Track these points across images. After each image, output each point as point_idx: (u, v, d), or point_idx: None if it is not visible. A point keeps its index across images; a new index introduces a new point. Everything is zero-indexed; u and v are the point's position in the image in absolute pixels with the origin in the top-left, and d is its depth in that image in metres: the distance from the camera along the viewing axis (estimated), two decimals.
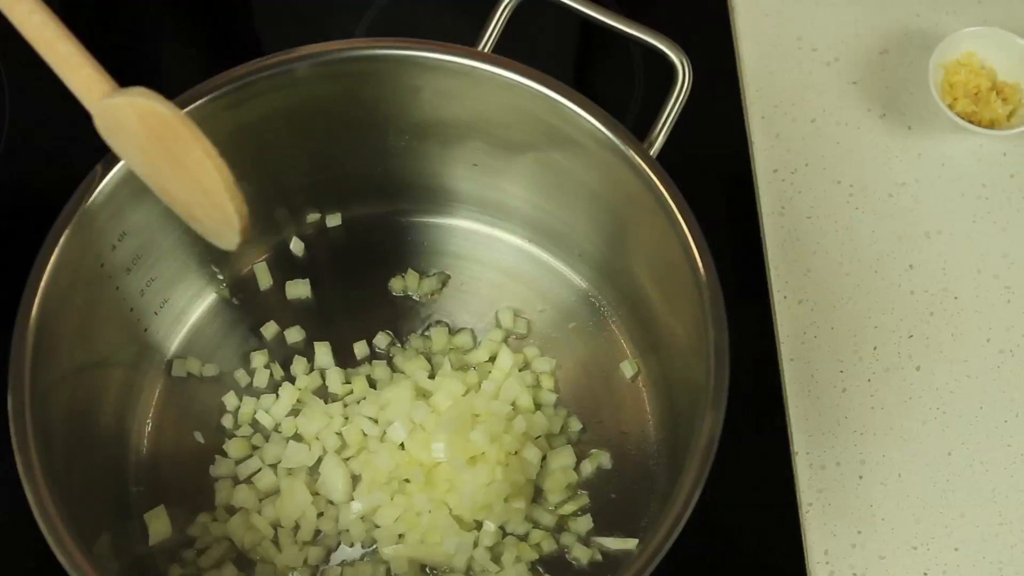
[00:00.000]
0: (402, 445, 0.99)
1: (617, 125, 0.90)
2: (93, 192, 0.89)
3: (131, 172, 0.90)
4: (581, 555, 0.97)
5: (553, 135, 0.95)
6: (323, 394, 1.04)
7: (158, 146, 0.80)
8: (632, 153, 0.90)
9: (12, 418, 0.84)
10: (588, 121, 0.91)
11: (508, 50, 0.95)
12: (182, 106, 0.88)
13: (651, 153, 0.92)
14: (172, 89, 0.85)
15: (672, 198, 0.89)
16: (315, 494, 0.99)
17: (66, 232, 0.87)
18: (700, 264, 0.87)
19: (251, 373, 1.04)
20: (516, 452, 0.98)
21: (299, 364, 1.04)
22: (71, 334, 0.91)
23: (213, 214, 0.83)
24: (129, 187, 0.91)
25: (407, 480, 0.98)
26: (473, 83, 0.93)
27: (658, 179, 0.89)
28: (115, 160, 0.89)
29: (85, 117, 1.02)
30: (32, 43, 0.79)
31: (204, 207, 0.83)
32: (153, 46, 1.16)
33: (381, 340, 1.05)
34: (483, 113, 0.97)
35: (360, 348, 1.05)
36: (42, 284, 0.86)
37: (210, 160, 0.78)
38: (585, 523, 0.98)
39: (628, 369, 1.03)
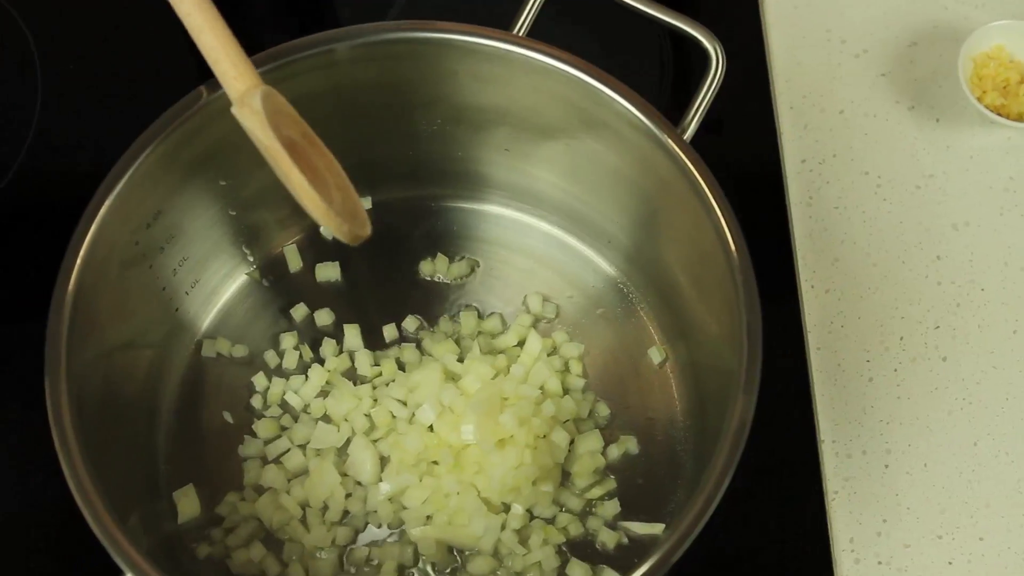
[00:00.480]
0: (431, 427, 0.99)
1: (652, 110, 0.91)
2: (130, 169, 0.89)
3: (168, 152, 0.91)
4: (608, 539, 0.98)
5: (586, 120, 0.95)
6: (352, 376, 1.04)
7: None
8: (667, 138, 0.90)
9: (49, 393, 0.85)
10: (623, 106, 0.92)
11: (537, 36, 0.96)
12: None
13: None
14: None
15: (706, 183, 0.89)
16: (343, 475, 1.00)
17: (104, 207, 0.88)
18: (733, 248, 0.88)
19: (280, 354, 1.05)
20: (544, 436, 0.99)
21: (328, 346, 1.05)
22: (105, 310, 0.91)
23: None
24: (166, 166, 0.91)
25: (435, 462, 0.99)
26: (508, 67, 0.94)
27: (692, 164, 0.90)
28: (152, 139, 0.89)
29: (115, 102, 1.04)
30: (187, 27, 0.82)
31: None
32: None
33: (410, 323, 1.06)
34: (516, 98, 0.97)
35: (389, 331, 1.05)
36: (79, 258, 0.87)
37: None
38: (612, 507, 0.99)
39: (656, 355, 1.04)
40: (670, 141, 0.90)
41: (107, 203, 0.88)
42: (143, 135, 0.89)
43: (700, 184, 0.89)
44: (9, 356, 1.07)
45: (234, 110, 0.82)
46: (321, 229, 1.08)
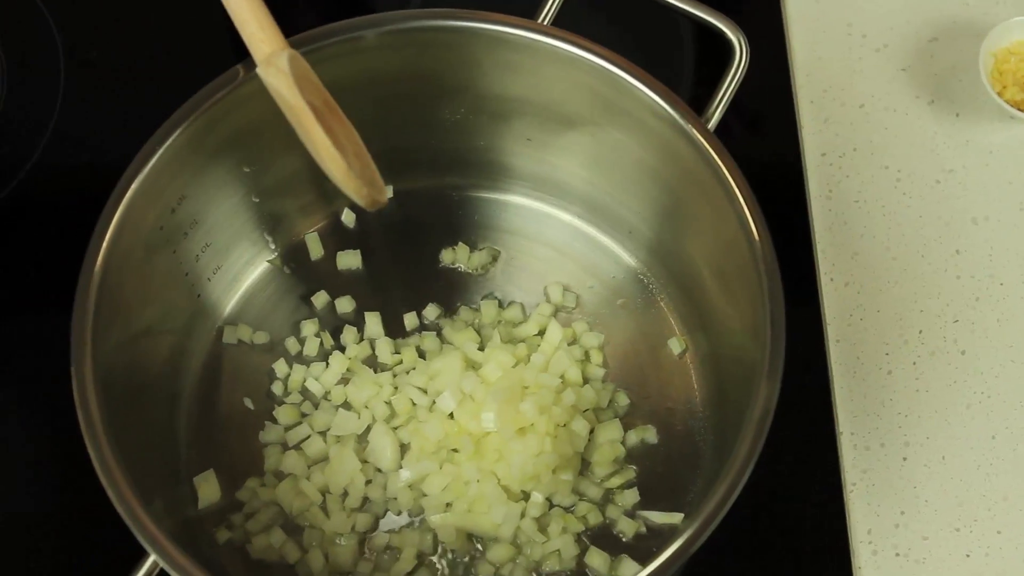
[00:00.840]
0: (451, 415, 1.00)
1: (676, 99, 0.91)
2: (158, 151, 0.90)
3: (194, 136, 0.91)
4: (626, 528, 0.98)
5: (610, 109, 0.96)
6: (372, 364, 1.04)
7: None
8: (691, 127, 0.91)
9: (75, 376, 0.85)
10: (647, 95, 0.92)
11: (561, 26, 0.96)
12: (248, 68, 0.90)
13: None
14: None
15: (730, 172, 0.90)
16: (363, 462, 1.00)
17: (131, 189, 0.88)
18: (757, 236, 0.88)
19: (301, 341, 1.05)
20: (564, 424, 0.99)
21: (349, 333, 1.05)
22: (130, 294, 0.92)
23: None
24: (192, 150, 0.92)
25: (455, 450, 0.99)
26: (534, 56, 0.94)
27: (716, 153, 0.90)
28: (181, 120, 0.90)
29: (137, 98, 1.03)
30: None
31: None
32: None
33: (431, 311, 1.06)
34: (540, 87, 0.98)
35: (410, 319, 1.06)
36: (106, 239, 0.87)
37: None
38: (632, 496, 0.99)
39: (676, 346, 1.04)
40: (694, 130, 0.91)
41: (134, 185, 0.88)
42: (172, 117, 0.90)
43: (724, 173, 0.90)
44: (25, 349, 1.07)
45: (260, 70, 0.83)
46: (343, 217, 1.09)
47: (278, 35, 0.83)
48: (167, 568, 0.81)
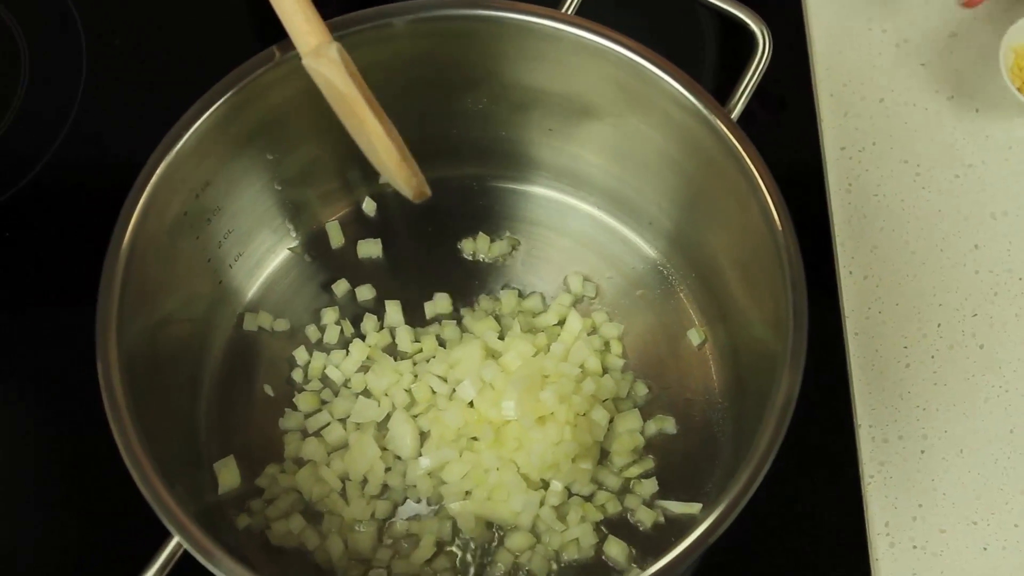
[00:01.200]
0: (471, 403, 1.00)
1: (700, 90, 0.91)
2: (183, 136, 0.90)
3: (219, 121, 0.92)
4: (645, 517, 0.98)
5: (633, 99, 0.96)
6: (392, 352, 1.05)
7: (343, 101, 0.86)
8: (715, 117, 0.91)
9: (100, 359, 0.85)
10: (672, 85, 0.92)
11: (583, 16, 0.96)
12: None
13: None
14: None
15: (753, 162, 0.90)
16: (383, 449, 1.00)
17: (156, 173, 0.89)
18: (780, 226, 0.88)
19: (322, 329, 1.05)
20: (584, 413, 0.99)
21: (369, 321, 1.05)
22: (154, 279, 0.92)
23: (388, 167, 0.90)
24: (216, 136, 0.92)
25: (475, 438, 0.99)
26: (558, 46, 0.95)
27: (739, 143, 0.90)
28: (208, 105, 0.90)
29: (160, 82, 1.03)
30: None
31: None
32: None
33: (448, 302, 1.06)
34: (563, 77, 0.98)
35: (430, 308, 1.06)
36: (132, 223, 0.88)
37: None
38: (650, 486, 0.99)
39: (695, 337, 1.04)
40: (718, 121, 0.91)
41: (161, 168, 0.89)
42: (202, 98, 0.90)
43: (747, 163, 0.90)
44: (45, 341, 1.08)
45: (307, 62, 0.84)
46: (364, 205, 1.09)
47: (324, 27, 0.84)
48: (191, 550, 0.82)
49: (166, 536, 0.84)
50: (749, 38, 0.97)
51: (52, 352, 1.06)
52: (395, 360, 1.04)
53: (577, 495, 0.99)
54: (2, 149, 1.15)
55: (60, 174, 1.14)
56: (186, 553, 0.83)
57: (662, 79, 0.92)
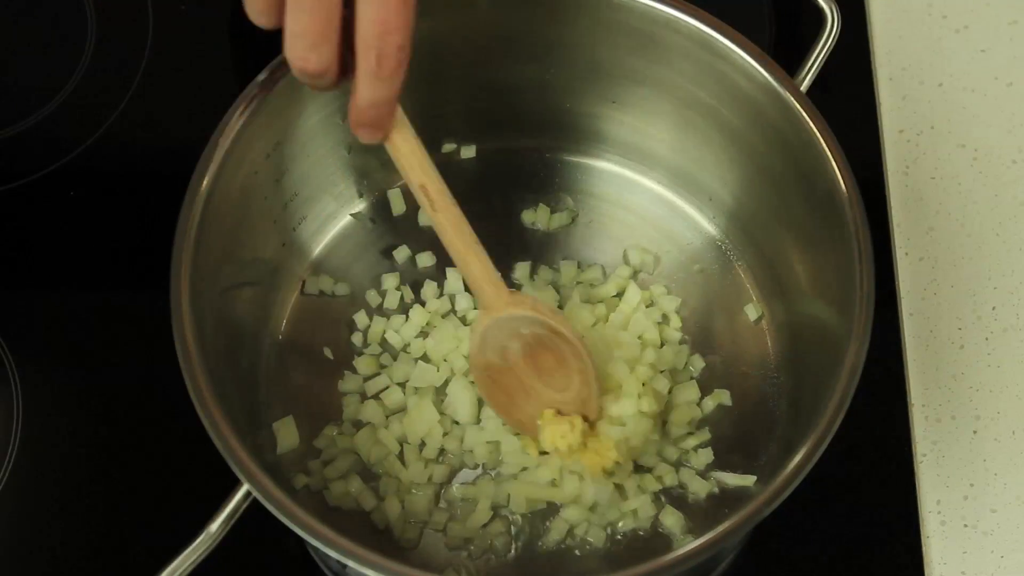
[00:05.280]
0: None
1: (773, 64, 0.92)
2: (258, 95, 0.91)
3: (292, 81, 0.92)
4: (699, 488, 0.99)
5: (701, 71, 0.96)
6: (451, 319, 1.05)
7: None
8: (786, 92, 0.92)
9: (173, 309, 0.86)
10: (742, 57, 0.92)
11: None
12: None
13: None
14: None
15: (823, 136, 0.90)
16: (442, 414, 1.01)
17: (236, 128, 0.90)
18: (849, 198, 0.88)
19: (382, 294, 1.06)
20: (645, 383, 1.00)
21: (429, 288, 1.06)
22: (224, 236, 0.92)
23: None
24: (290, 95, 0.93)
25: None
26: (627, 16, 0.95)
27: (811, 118, 0.91)
28: (276, 71, 0.91)
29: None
30: (450, 253, 0.91)
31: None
32: None
33: (517, 270, 1.07)
34: (630, 48, 0.98)
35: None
36: (206, 178, 0.88)
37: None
38: (706, 456, 0.99)
39: (752, 312, 1.05)
40: (789, 95, 0.92)
41: (239, 123, 0.89)
42: (276, 59, 0.91)
43: (818, 139, 0.90)
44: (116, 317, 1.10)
45: (480, 315, 0.93)
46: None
47: (500, 294, 0.92)
48: (261, 498, 0.82)
49: (232, 488, 0.85)
50: (818, 15, 0.98)
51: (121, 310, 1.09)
52: (454, 327, 1.04)
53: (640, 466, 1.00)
54: (71, 104, 1.16)
55: (123, 136, 1.15)
56: (251, 506, 0.84)
57: (734, 52, 0.93)
